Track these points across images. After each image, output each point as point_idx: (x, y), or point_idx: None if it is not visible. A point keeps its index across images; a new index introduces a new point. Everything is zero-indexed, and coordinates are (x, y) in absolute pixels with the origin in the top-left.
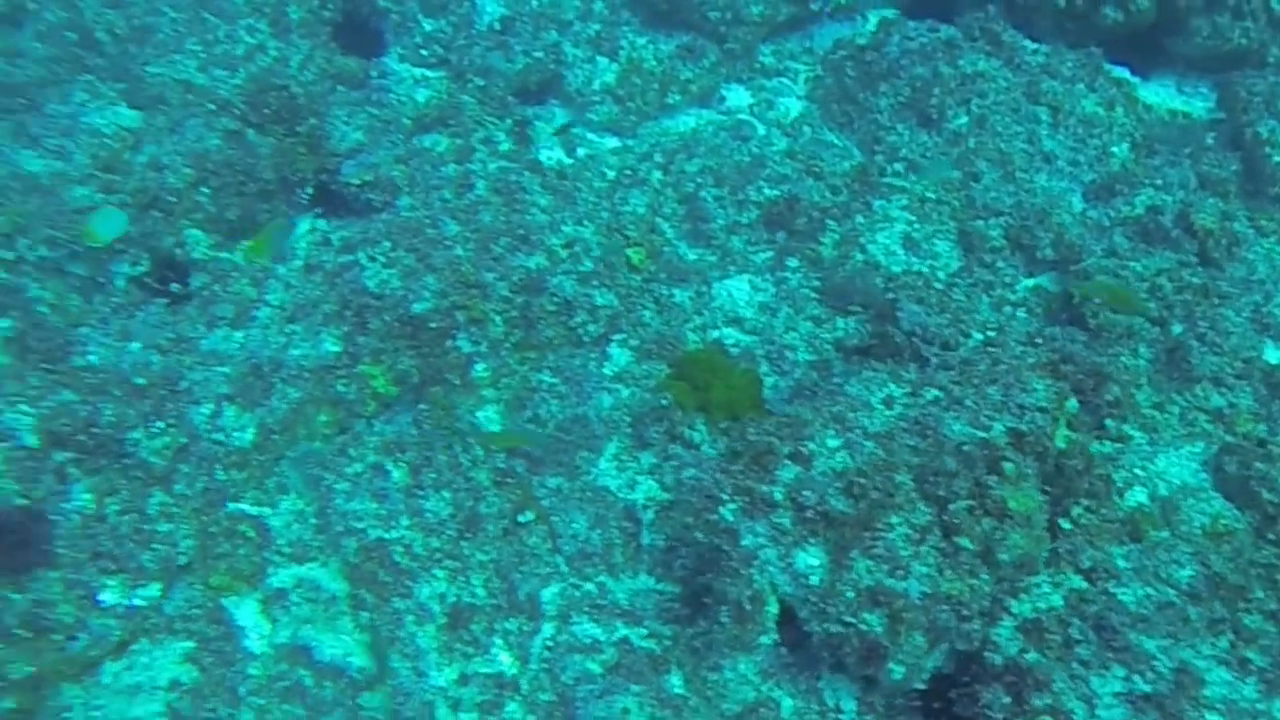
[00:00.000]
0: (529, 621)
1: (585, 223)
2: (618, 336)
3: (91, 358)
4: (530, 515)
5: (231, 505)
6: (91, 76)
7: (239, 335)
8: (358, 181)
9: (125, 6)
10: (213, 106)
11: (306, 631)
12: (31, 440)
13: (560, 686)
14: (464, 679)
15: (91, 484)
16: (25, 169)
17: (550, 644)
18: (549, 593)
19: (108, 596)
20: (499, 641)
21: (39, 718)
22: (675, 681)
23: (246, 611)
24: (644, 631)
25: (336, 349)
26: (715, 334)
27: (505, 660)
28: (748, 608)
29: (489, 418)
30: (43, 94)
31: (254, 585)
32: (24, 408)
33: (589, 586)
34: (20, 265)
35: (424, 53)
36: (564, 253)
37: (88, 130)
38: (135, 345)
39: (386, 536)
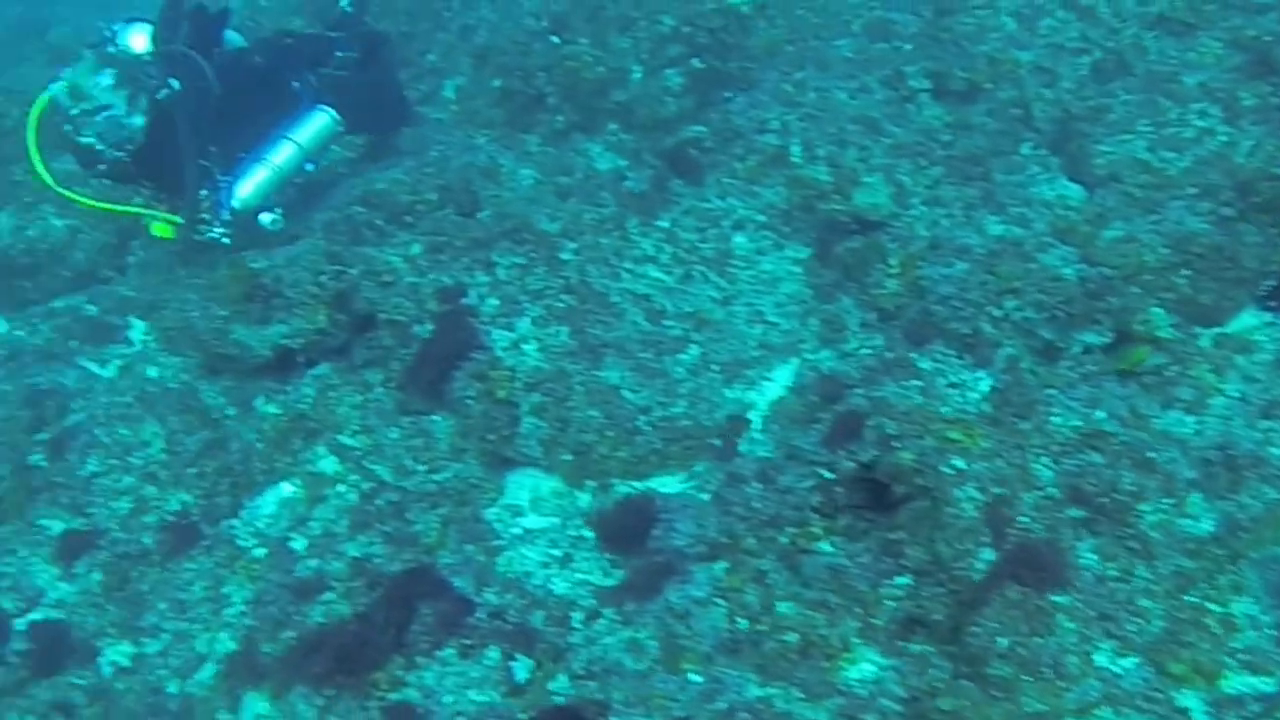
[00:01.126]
0: None
1: None
2: None
3: (1055, 419)
4: None
5: (1189, 597)
6: (1036, 150)
7: (1191, 420)
8: None
9: (1060, 86)
10: (1195, 190)
11: None
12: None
13: None
14: None
15: (1095, 545)
16: (990, 233)
17: None
18: None
19: (1100, 658)
20: None
21: None
22: None
23: (1195, 701)
24: None
25: None
26: None
27: None
28: None
29: None
30: (989, 164)
31: (1211, 683)
32: (1046, 460)
33: None
34: (1004, 323)
35: None
36: None
37: (1039, 200)
38: (1100, 414)
39: None
